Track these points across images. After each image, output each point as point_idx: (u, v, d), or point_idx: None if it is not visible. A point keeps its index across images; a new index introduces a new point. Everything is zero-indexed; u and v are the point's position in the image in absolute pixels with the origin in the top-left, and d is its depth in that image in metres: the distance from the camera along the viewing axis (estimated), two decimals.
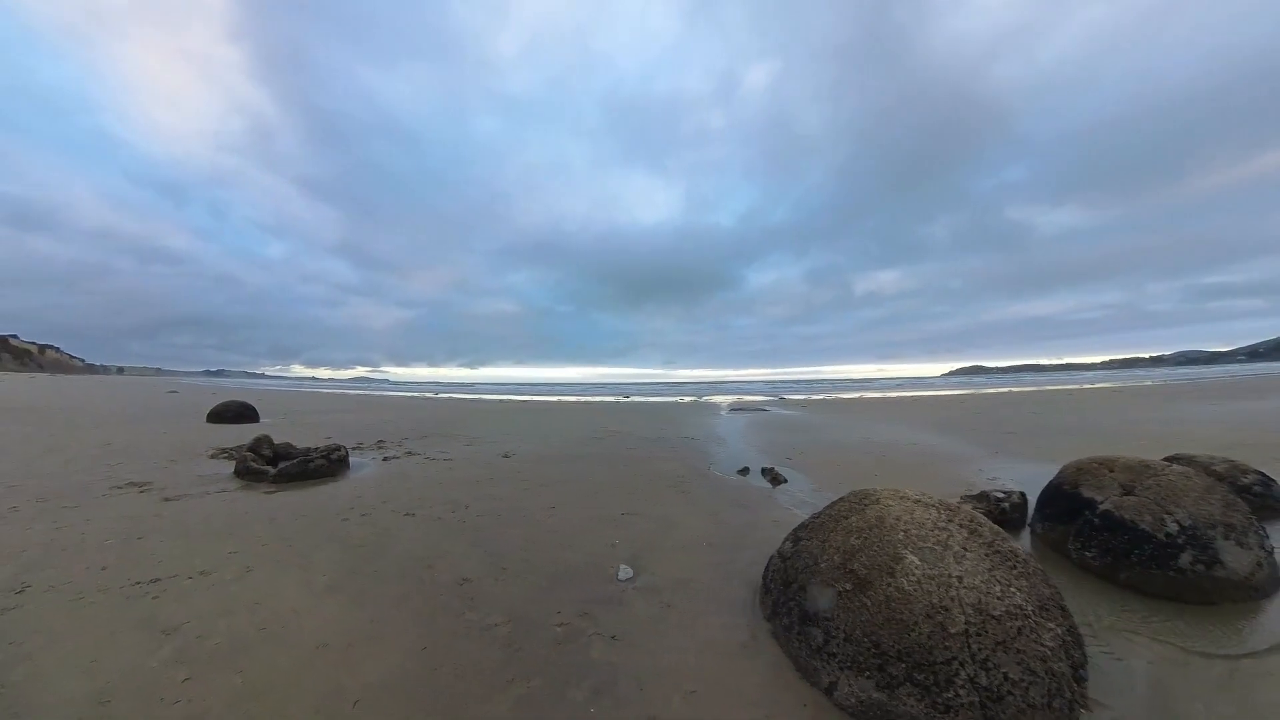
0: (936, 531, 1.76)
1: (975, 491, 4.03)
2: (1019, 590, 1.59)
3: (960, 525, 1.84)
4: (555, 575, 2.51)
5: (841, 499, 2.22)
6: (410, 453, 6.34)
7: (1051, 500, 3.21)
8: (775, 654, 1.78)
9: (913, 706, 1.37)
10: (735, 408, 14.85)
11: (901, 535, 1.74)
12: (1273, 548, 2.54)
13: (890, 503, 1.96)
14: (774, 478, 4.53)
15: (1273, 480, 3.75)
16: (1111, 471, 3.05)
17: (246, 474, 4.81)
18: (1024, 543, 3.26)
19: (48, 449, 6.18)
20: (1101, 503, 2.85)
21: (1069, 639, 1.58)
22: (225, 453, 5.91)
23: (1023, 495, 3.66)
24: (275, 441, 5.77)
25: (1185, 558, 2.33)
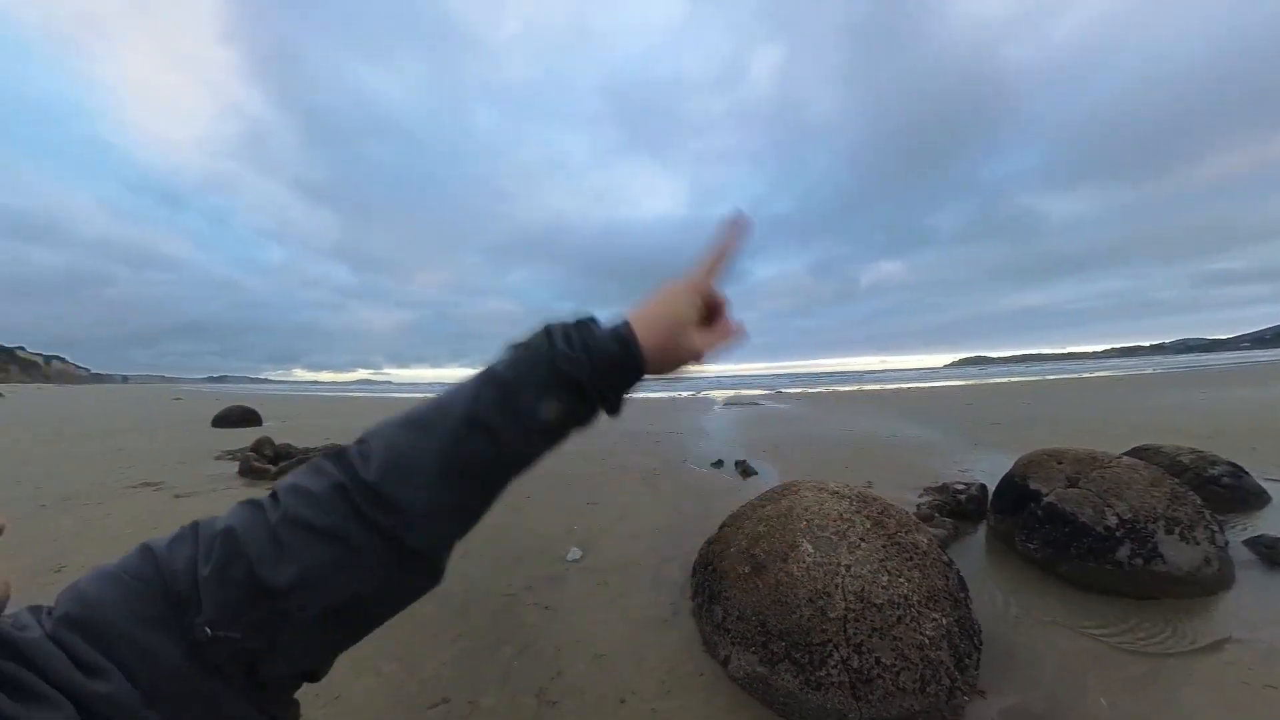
0: (839, 522, 1.91)
1: (940, 484, 4.16)
2: (908, 581, 1.72)
3: (866, 517, 1.98)
4: (513, 556, 2.77)
5: (769, 490, 2.37)
6: None
7: (1004, 492, 3.30)
8: (689, 630, 1.97)
9: (789, 681, 1.53)
10: (730, 402, 14.98)
11: (804, 524, 1.89)
12: (1226, 542, 2.47)
13: (806, 494, 2.11)
14: (745, 470, 4.68)
15: (1244, 471, 3.69)
16: (1060, 463, 3.13)
17: (250, 473, 5.09)
18: (981, 535, 3.37)
19: (65, 455, 6.55)
20: (1046, 494, 2.93)
21: (956, 629, 1.68)
22: (230, 454, 6.21)
23: (982, 487, 3.77)
24: (276, 443, 6.06)
25: (1123, 551, 2.34)
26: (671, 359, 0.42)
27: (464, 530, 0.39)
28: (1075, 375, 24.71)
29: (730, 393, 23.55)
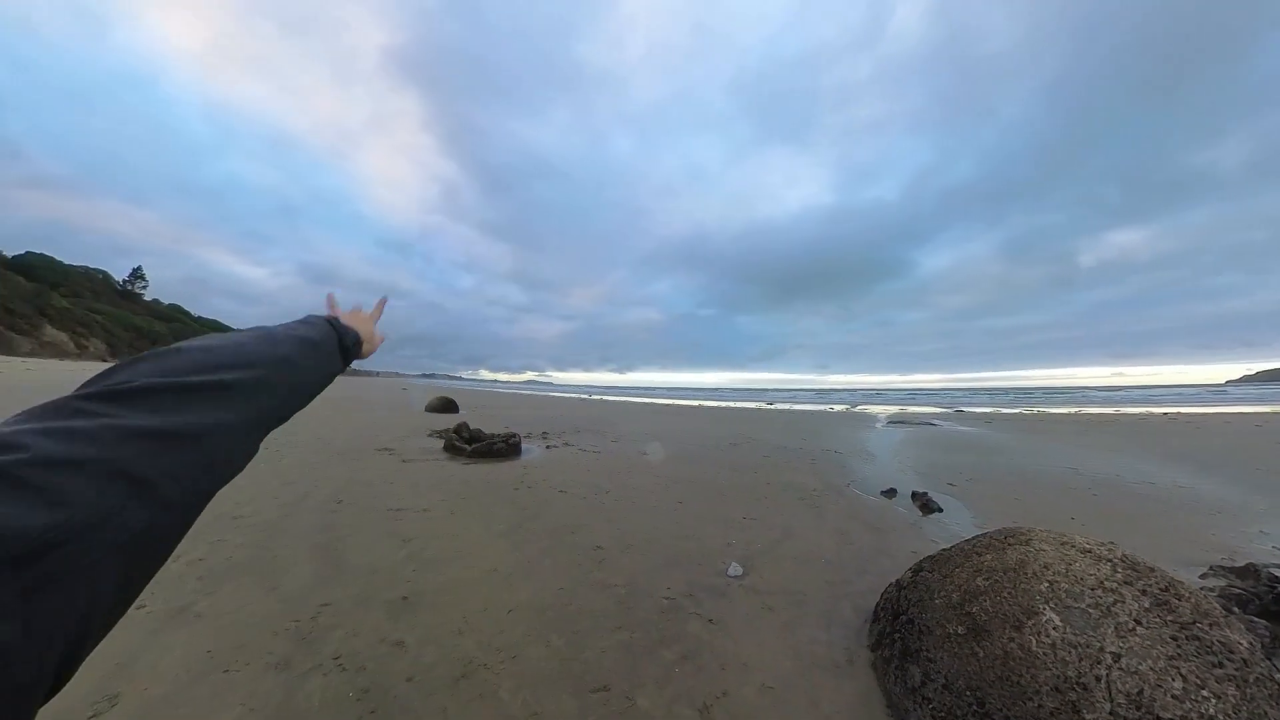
0: (1099, 592, 1.45)
1: (1239, 563, 2.98)
2: (1217, 698, 1.22)
3: (1142, 591, 1.47)
4: (671, 559, 2.79)
5: (984, 534, 1.95)
6: (567, 444, 7.29)
7: None
8: (869, 684, 1.70)
9: None
10: (895, 420, 13.08)
11: (1045, 586, 1.48)
12: None
13: (1043, 546, 1.67)
14: (925, 504, 4.01)
15: None
16: None
17: (451, 449, 6.17)
18: None
19: (342, 423, 8.81)
20: None
21: None
22: (437, 433, 7.62)
23: None
24: (470, 428, 7.25)
25: None
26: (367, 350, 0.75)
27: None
28: None
29: (894, 409, 20.72)
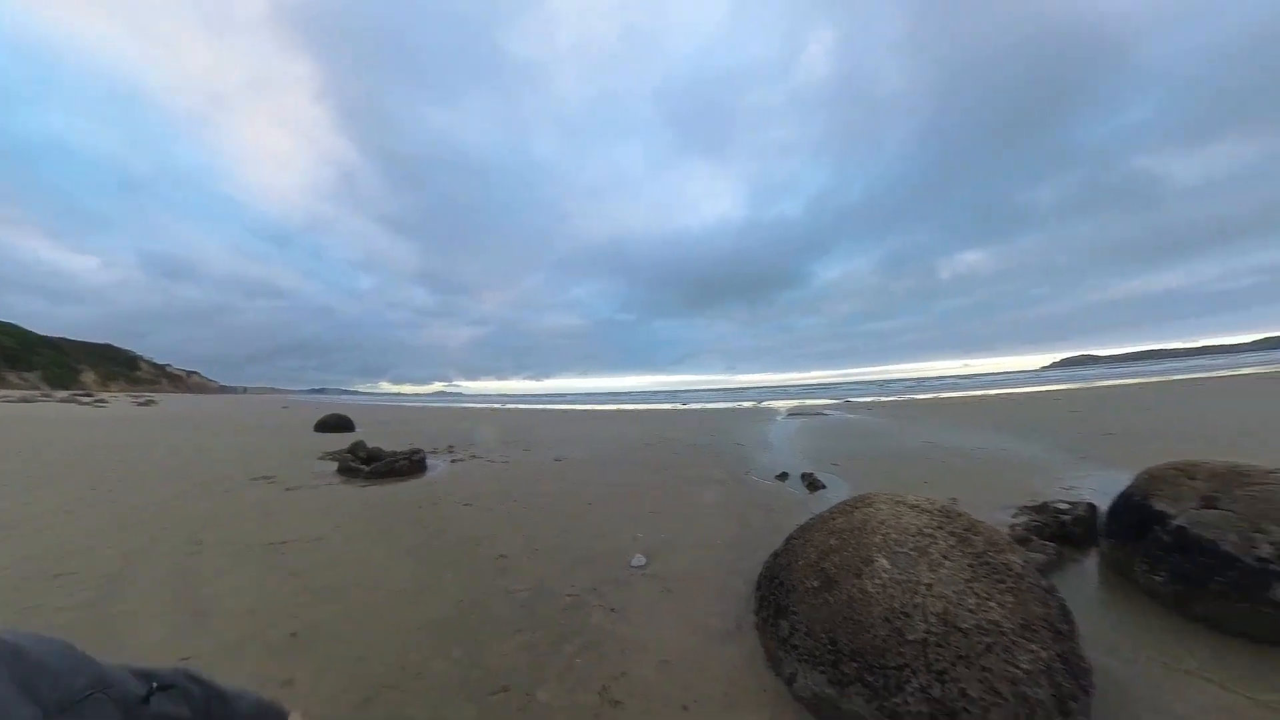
0: (918, 537, 1.78)
1: (1039, 503, 3.75)
2: (999, 605, 1.57)
3: (950, 533, 1.83)
4: (578, 559, 2.85)
5: (841, 502, 2.27)
6: (474, 456, 7.01)
7: (1120, 513, 2.91)
8: (753, 644, 1.91)
9: (861, 706, 1.43)
10: (793, 413, 14.37)
11: (879, 539, 1.78)
12: None
13: (881, 506, 1.99)
14: (812, 483, 4.49)
15: None
16: (1192, 480, 2.71)
17: (346, 471, 5.64)
18: (1091, 564, 3.00)
19: (200, 451, 7.62)
20: (1175, 517, 2.55)
21: (1058, 665, 1.49)
22: (330, 455, 6.91)
23: (1091, 507, 3.36)
24: (368, 446, 6.68)
25: None
26: None
27: None
28: (1209, 375, 21.05)
29: (793, 403, 22.65)
